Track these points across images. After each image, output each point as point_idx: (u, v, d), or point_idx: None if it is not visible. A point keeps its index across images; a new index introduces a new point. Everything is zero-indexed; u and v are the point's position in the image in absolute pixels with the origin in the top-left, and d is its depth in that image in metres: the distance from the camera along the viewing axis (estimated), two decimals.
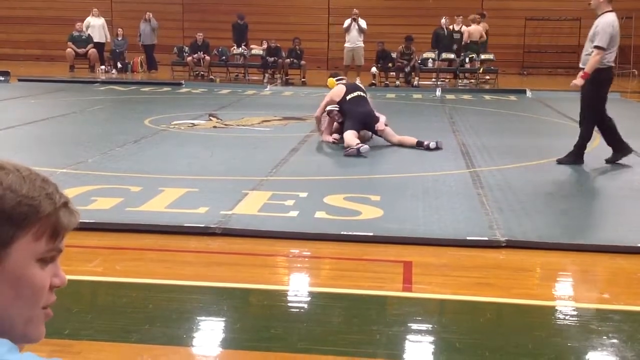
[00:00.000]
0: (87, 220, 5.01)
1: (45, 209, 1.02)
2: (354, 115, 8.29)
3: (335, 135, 8.54)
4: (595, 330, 3.49)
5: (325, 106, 8.68)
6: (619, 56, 20.81)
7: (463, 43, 18.36)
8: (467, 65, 18.36)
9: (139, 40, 19.64)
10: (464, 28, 18.55)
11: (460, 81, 18.80)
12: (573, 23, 21.36)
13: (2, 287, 1.00)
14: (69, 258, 4.53)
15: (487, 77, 18.43)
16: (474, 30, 18.43)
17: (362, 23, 17.33)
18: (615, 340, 3.37)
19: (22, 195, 1.00)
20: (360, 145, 7.78)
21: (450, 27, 18.72)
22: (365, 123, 8.43)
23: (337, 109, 8.44)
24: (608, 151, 8.41)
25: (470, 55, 18.31)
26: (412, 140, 8.37)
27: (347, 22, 17.62)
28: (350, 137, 7.95)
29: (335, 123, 8.58)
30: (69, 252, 4.64)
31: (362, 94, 8.62)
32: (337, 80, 8.96)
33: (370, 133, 8.57)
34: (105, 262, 4.45)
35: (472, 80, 18.61)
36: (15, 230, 0.99)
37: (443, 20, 18.67)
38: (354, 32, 17.36)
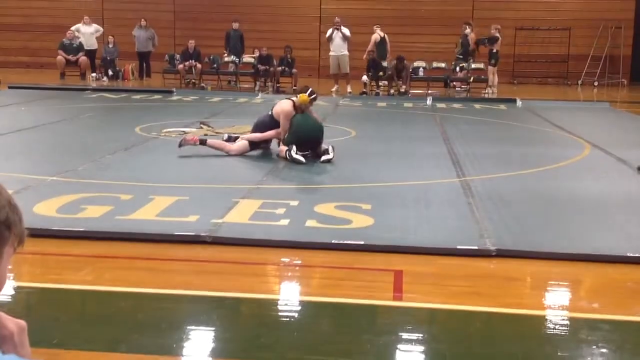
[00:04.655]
0: (77, 229, 5.01)
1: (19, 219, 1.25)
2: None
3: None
4: (585, 340, 3.50)
5: None
6: (609, 66, 21.10)
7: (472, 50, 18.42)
8: (459, 75, 18.44)
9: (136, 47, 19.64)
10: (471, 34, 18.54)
11: (452, 90, 18.84)
12: (563, 33, 21.50)
13: None
14: (58, 266, 4.51)
15: (485, 91, 18.30)
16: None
17: (346, 31, 17.40)
18: (604, 350, 3.38)
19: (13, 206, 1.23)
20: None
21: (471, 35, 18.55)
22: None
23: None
24: (600, 160, 8.46)
25: (460, 65, 18.39)
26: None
27: (329, 31, 17.71)
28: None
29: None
30: (59, 260, 4.66)
31: None
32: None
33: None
34: (95, 270, 4.42)
35: (464, 87, 18.64)
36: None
37: (467, 31, 18.50)
38: (337, 40, 17.43)
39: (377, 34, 17.69)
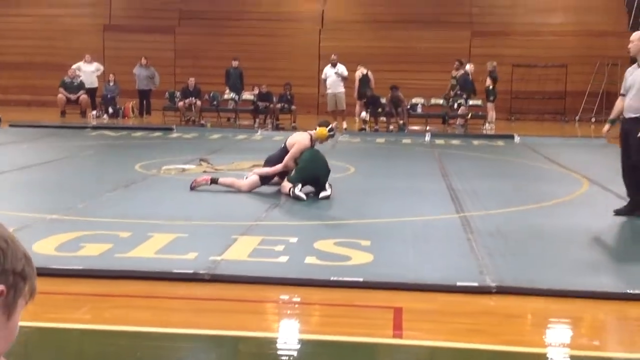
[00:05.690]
0: (76, 267, 4.99)
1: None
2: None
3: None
4: None
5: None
6: (606, 102, 21.23)
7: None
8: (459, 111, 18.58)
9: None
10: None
11: (450, 126, 18.93)
12: (560, 70, 21.67)
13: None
14: (57, 305, 4.49)
15: (484, 127, 18.34)
16: None
17: (342, 70, 17.59)
18: None
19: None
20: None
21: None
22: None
23: None
24: (599, 196, 8.48)
25: (458, 102, 18.52)
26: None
27: (325, 69, 17.94)
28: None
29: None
30: (58, 299, 4.63)
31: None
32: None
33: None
34: (94, 309, 4.41)
35: (461, 122, 18.73)
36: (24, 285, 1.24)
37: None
38: (332, 77, 17.64)
39: (360, 72, 17.99)
